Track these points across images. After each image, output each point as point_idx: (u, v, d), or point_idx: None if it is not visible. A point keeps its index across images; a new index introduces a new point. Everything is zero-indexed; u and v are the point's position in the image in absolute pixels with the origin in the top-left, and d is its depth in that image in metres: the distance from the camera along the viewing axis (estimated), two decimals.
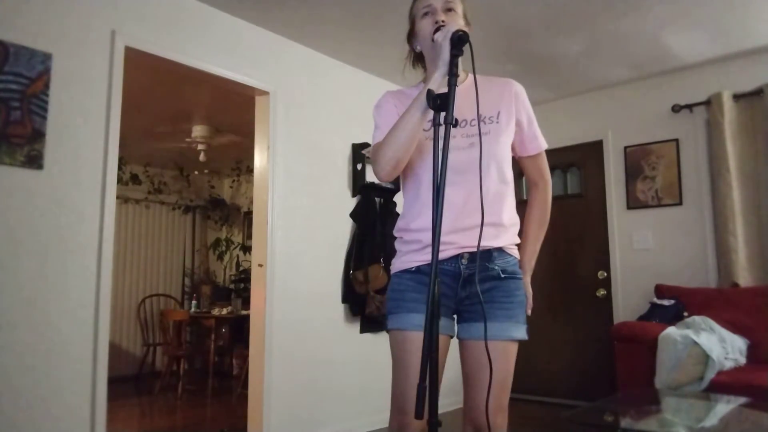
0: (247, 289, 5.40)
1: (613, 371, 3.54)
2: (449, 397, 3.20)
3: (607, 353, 3.93)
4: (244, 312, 5.57)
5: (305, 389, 3.53)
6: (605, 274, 4.49)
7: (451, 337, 1.55)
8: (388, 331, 1.55)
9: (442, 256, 1.47)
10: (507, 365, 1.50)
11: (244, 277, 6.62)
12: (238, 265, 7.10)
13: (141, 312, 6.17)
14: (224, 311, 5.74)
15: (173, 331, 5.55)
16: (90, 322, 2.60)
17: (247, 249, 6.92)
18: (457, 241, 1.47)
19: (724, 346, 3.14)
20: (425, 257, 1.50)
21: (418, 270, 1.52)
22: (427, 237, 1.45)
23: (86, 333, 2.58)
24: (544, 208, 1.65)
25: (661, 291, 3.93)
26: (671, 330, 3.22)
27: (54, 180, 2.52)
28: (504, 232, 1.53)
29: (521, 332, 1.51)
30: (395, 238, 1.63)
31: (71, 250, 2.56)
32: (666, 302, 3.74)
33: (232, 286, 6.95)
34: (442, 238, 1.44)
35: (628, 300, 4.30)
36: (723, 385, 2.93)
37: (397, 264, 1.58)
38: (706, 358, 3.01)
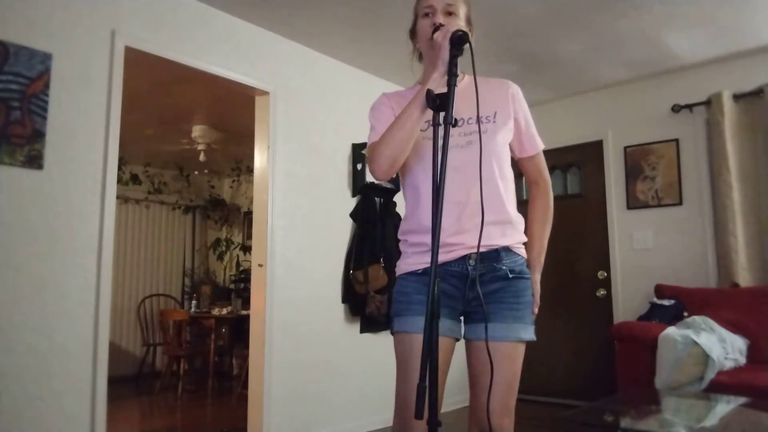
0: (247, 289, 5.40)
1: (613, 371, 3.54)
2: (451, 397, 3.20)
3: (607, 353, 3.93)
4: (244, 312, 5.57)
5: (305, 389, 3.53)
6: (605, 274, 4.48)
7: (457, 339, 1.53)
8: (393, 334, 1.53)
9: (449, 257, 1.46)
10: (513, 367, 1.48)
11: (244, 277, 6.61)
12: (238, 265, 7.09)
13: (141, 312, 6.16)
14: (224, 311, 5.74)
15: (173, 331, 5.54)
16: (90, 322, 2.60)
17: (247, 249, 6.92)
18: (465, 242, 1.46)
19: (724, 346, 3.14)
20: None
21: (424, 272, 1.49)
22: None
23: (86, 333, 2.58)
24: (546, 205, 1.63)
25: (661, 291, 3.92)
26: (671, 330, 3.22)
27: (54, 180, 2.52)
28: (510, 229, 1.52)
29: (529, 333, 1.50)
30: (398, 240, 1.62)
31: (71, 250, 2.56)
32: (666, 302, 3.74)
33: (232, 286, 6.95)
34: (450, 239, 1.44)
35: (628, 300, 4.30)
36: (723, 385, 2.93)
37: (402, 266, 1.56)
38: (706, 358, 3.01)
